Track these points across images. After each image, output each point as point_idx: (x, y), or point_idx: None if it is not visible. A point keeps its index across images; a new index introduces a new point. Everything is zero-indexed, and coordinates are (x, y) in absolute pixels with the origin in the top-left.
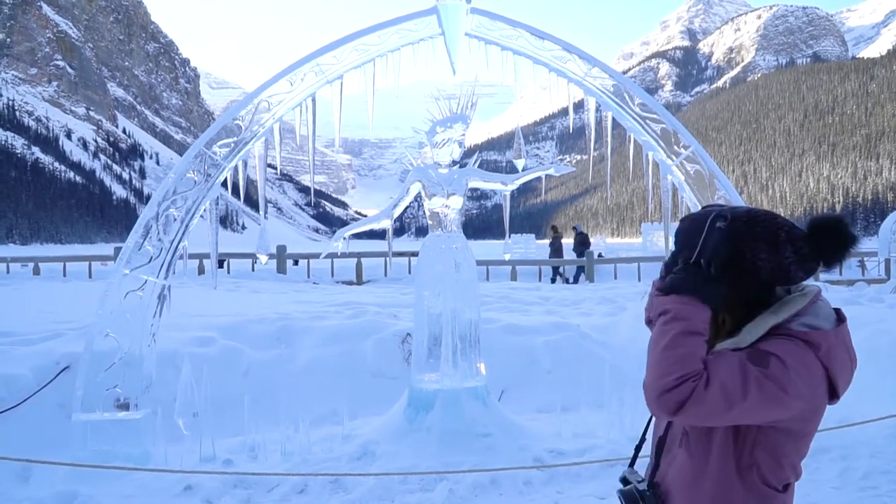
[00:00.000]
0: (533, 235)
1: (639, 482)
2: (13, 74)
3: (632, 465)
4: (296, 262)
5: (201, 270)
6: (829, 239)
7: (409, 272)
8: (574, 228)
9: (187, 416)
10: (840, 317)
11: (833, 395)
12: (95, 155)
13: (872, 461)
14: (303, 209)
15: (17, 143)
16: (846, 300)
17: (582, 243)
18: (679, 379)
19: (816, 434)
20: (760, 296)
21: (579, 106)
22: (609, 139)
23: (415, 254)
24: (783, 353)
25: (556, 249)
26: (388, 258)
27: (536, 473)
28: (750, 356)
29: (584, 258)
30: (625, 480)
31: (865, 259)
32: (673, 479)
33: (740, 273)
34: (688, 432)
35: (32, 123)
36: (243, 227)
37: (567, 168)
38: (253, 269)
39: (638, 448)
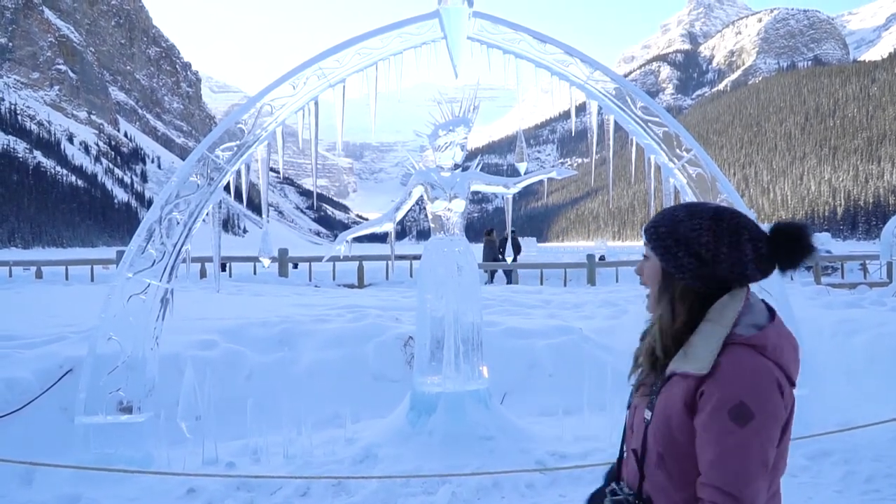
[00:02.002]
0: (534, 238)
1: (629, 494)
2: (15, 79)
3: (618, 479)
4: (295, 266)
5: (203, 274)
6: (789, 244)
7: (411, 275)
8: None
9: (190, 419)
10: (769, 308)
11: (791, 383)
12: (97, 159)
13: (875, 465)
14: (304, 213)
15: (20, 147)
16: (848, 303)
17: (516, 247)
18: None
19: (819, 437)
20: (712, 292)
21: (581, 109)
22: (611, 142)
23: (416, 257)
24: (747, 389)
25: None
26: (390, 261)
27: (539, 476)
28: (731, 414)
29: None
30: (613, 492)
31: (867, 262)
32: (657, 498)
33: (701, 263)
34: (663, 455)
35: (34, 127)
36: (245, 231)
37: (569, 171)
38: (255, 273)
39: (620, 461)
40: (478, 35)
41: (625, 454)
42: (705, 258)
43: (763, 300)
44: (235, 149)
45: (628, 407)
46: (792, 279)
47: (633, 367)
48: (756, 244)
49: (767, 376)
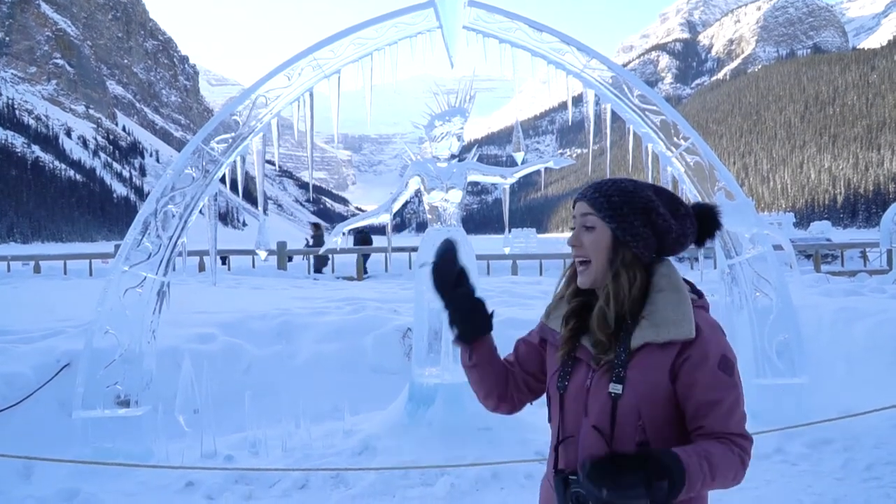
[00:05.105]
0: (534, 230)
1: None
2: (12, 73)
3: (556, 465)
4: (289, 259)
5: (202, 267)
6: (709, 222)
7: (410, 267)
8: (314, 224)
9: (188, 412)
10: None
11: None
12: (95, 153)
13: (876, 452)
14: (303, 205)
15: (18, 141)
16: (848, 291)
17: (363, 241)
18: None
19: (819, 425)
20: (650, 262)
21: (578, 100)
22: (608, 132)
23: (415, 249)
24: (723, 343)
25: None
26: (387, 253)
27: (538, 466)
28: (721, 368)
29: None
30: (567, 480)
31: (867, 250)
32: None
33: (654, 233)
34: (645, 426)
35: (32, 122)
36: (244, 224)
37: (566, 161)
38: (254, 266)
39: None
40: (473, 24)
41: (561, 438)
42: (660, 228)
43: None
44: (230, 141)
45: (561, 389)
46: (791, 268)
47: (564, 348)
48: (692, 219)
49: (723, 331)
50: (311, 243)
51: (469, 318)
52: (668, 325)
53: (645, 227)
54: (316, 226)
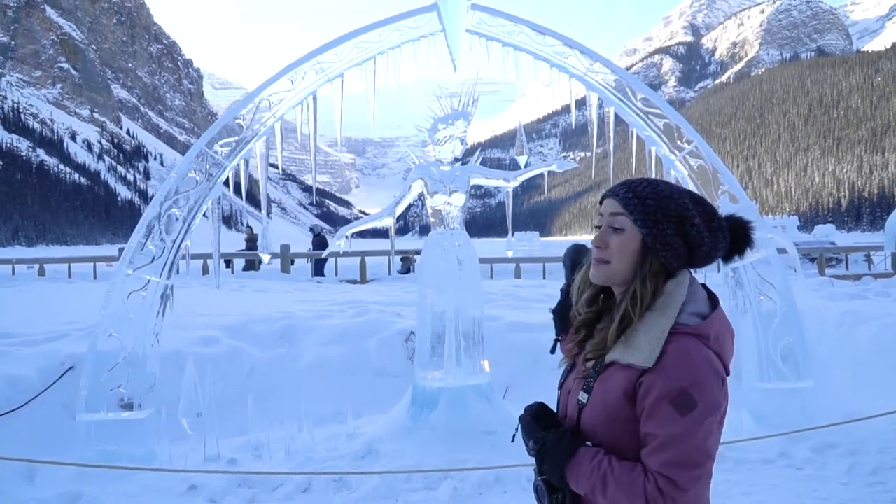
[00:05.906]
0: (537, 233)
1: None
2: (17, 77)
3: None
4: (291, 262)
5: (205, 270)
6: (742, 237)
7: (412, 270)
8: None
9: (191, 415)
10: (711, 295)
11: (727, 373)
12: (100, 156)
13: (881, 457)
14: (307, 209)
15: (23, 145)
16: (852, 295)
17: (320, 245)
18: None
19: (823, 429)
20: (674, 272)
21: (582, 103)
22: (612, 135)
23: (418, 252)
24: (691, 379)
25: (251, 249)
26: (391, 257)
27: None
28: (673, 403)
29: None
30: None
31: (872, 253)
32: None
33: (686, 243)
34: (600, 439)
35: (37, 126)
36: (248, 228)
37: (569, 164)
38: (257, 269)
39: None
40: (476, 28)
41: None
42: (692, 239)
43: (704, 285)
44: (234, 144)
45: (559, 386)
46: (796, 272)
47: (574, 340)
48: (725, 232)
49: (710, 367)
50: (246, 246)
51: (557, 318)
52: (634, 348)
53: (677, 236)
54: (250, 229)
